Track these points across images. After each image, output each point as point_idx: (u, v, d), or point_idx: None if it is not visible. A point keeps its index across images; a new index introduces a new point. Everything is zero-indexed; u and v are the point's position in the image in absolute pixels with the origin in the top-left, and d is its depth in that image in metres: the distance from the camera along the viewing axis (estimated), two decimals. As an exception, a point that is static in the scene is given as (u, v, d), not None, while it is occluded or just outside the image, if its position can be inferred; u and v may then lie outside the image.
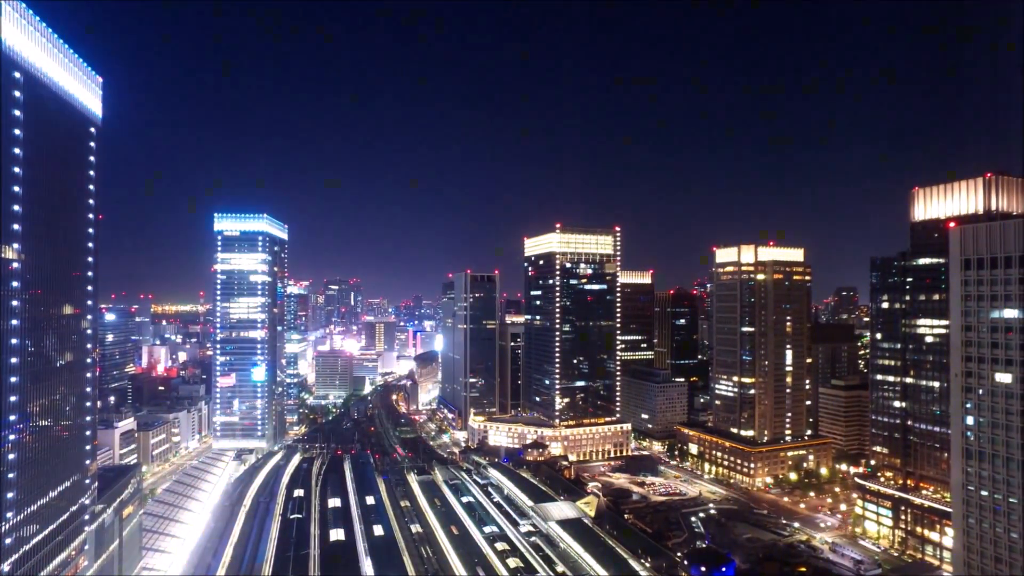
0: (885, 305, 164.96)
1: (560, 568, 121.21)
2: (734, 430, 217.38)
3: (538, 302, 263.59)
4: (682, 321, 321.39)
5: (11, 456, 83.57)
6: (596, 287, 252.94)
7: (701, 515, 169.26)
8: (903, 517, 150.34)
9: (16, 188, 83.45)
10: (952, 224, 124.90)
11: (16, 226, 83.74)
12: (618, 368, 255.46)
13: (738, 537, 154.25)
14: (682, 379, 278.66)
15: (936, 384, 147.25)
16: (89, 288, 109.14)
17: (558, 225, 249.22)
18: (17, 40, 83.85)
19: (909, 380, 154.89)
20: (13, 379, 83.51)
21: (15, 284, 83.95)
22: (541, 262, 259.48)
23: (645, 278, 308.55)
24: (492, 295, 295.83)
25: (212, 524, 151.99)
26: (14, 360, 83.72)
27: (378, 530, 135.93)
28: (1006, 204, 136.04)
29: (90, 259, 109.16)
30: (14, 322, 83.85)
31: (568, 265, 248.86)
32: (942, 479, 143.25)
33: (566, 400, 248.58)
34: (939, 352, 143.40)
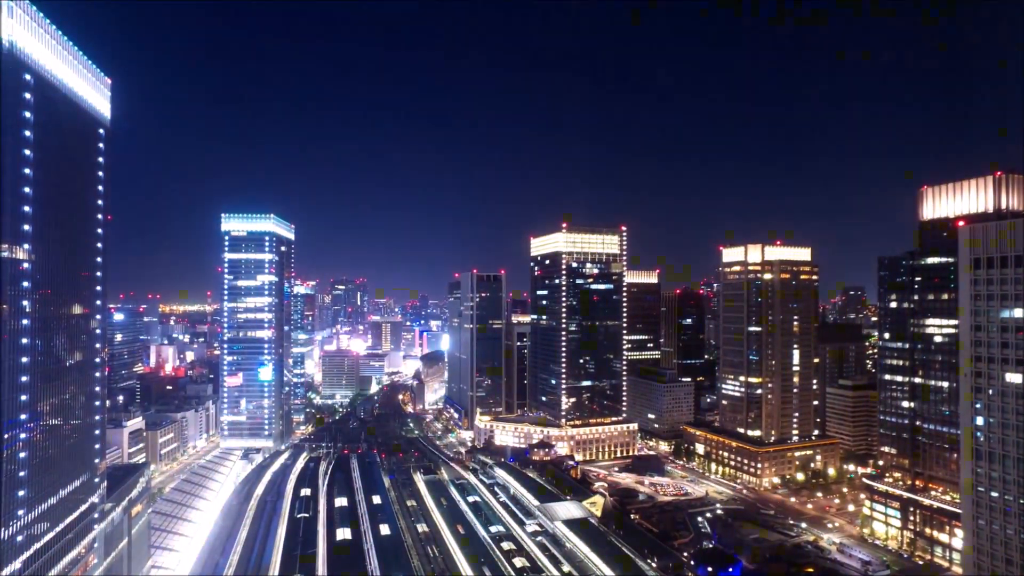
0: (893, 304, 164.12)
1: (566, 568, 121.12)
2: (741, 430, 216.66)
3: (544, 302, 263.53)
4: (688, 321, 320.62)
5: (22, 455, 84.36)
6: (602, 287, 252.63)
7: (708, 515, 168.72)
8: (912, 518, 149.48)
9: (26, 189, 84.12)
10: (961, 223, 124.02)
11: (26, 227, 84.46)
12: (624, 368, 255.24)
13: (745, 537, 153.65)
14: (688, 379, 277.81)
15: (945, 384, 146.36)
16: (98, 288, 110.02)
17: (564, 225, 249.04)
18: (27, 42, 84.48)
19: (918, 380, 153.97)
20: (24, 378, 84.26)
21: (25, 284, 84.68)
22: (547, 262, 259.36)
23: (651, 278, 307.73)
24: (498, 295, 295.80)
25: (220, 523, 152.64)
26: (25, 359, 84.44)
27: (385, 529, 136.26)
28: (1016, 202, 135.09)
29: (99, 259, 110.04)
30: (24, 322, 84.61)
31: (574, 265, 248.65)
32: (951, 480, 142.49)
33: (572, 400, 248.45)
34: (948, 352, 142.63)
